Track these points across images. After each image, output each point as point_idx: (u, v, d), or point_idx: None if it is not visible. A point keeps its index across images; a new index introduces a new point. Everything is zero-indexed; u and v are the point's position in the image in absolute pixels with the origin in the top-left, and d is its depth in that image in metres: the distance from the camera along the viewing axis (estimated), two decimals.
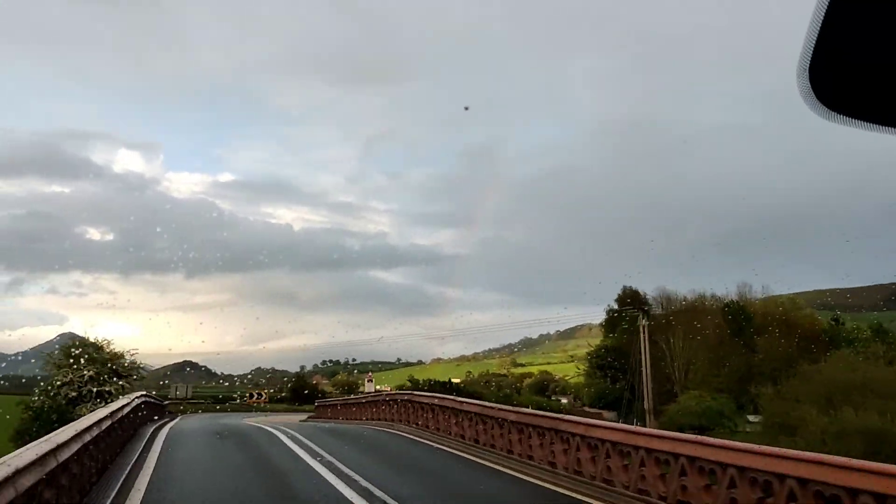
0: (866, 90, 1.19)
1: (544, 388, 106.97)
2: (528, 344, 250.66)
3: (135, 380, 37.94)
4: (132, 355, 37.99)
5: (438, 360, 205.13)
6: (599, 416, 49.84)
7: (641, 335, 44.27)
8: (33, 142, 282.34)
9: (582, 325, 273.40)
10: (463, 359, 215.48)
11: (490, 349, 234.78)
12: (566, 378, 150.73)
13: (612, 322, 69.84)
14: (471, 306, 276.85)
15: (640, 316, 46.64)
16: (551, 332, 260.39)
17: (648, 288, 66.97)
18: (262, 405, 65.18)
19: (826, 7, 1.07)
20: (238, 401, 66.77)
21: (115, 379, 35.82)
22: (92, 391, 34.46)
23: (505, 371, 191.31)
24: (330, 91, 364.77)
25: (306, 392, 71.12)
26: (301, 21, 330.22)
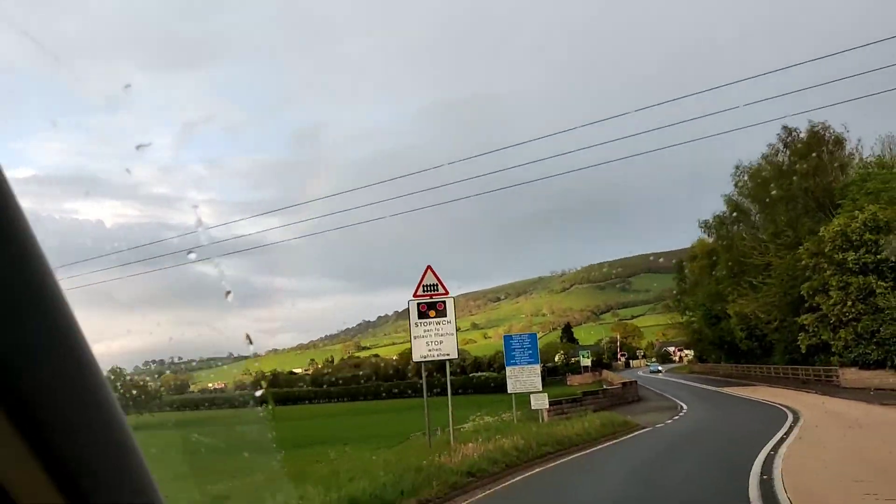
0: None
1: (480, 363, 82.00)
2: (367, 327, 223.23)
3: None
4: None
5: (274, 350, 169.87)
6: None
7: None
8: None
9: None
10: (301, 347, 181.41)
11: (327, 335, 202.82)
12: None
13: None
14: (303, 294, 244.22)
15: None
16: (389, 314, 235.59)
17: None
18: None
19: None
20: None
21: None
22: None
23: (347, 355, 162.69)
24: (142, 74, 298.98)
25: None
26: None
